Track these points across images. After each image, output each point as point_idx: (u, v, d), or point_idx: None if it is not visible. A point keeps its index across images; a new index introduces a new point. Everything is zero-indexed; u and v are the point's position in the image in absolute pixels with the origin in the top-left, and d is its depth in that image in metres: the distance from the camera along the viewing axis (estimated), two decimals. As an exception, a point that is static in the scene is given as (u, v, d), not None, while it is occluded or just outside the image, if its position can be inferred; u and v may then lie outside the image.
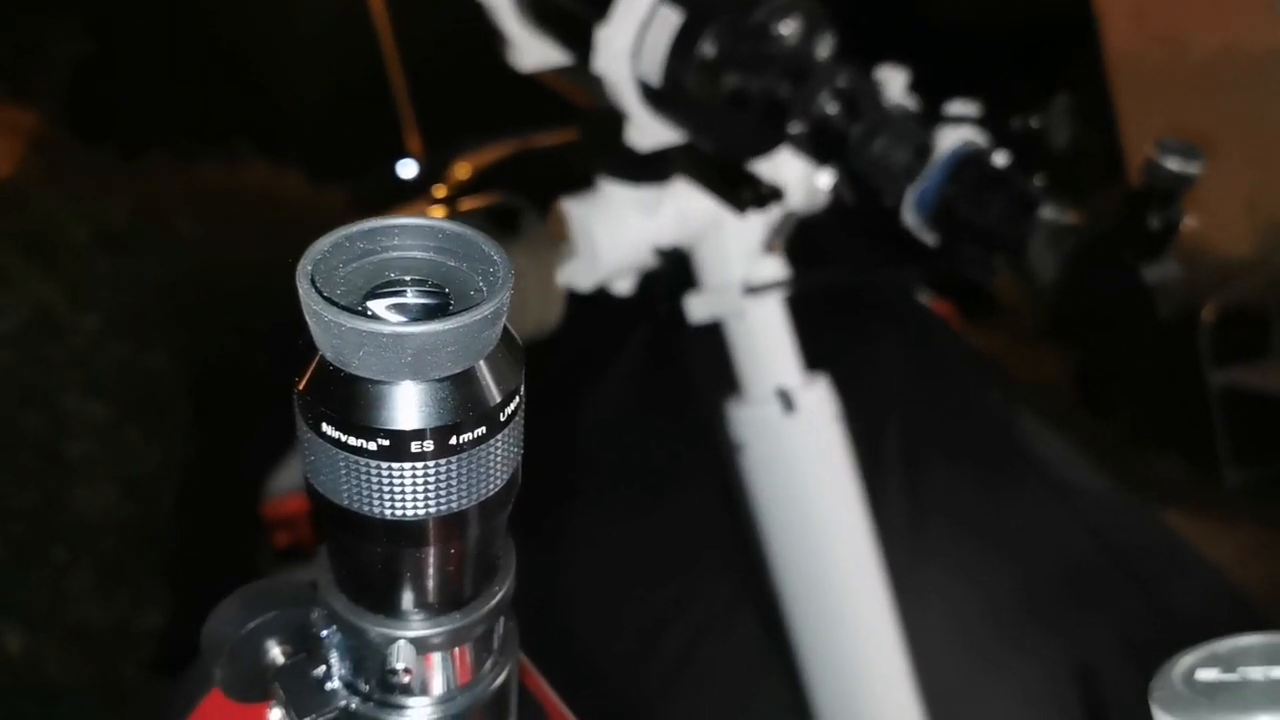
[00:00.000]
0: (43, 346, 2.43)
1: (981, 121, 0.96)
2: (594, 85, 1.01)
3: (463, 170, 2.18)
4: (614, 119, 1.01)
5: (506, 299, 0.33)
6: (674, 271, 1.15)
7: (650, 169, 1.06)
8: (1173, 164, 0.80)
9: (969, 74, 1.06)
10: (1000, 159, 0.93)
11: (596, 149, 1.08)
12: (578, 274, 1.10)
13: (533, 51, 1.09)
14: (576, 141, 1.13)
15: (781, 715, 1.39)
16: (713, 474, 1.41)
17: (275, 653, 0.42)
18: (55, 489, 2.25)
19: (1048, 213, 0.86)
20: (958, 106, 0.97)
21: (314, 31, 3.38)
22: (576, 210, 1.09)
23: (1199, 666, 0.43)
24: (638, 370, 1.59)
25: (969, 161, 0.91)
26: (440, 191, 1.41)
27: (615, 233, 1.09)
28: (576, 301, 1.10)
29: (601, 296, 1.14)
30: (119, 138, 3.27)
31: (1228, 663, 0.42)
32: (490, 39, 1.12)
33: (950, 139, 0.93)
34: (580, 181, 1.12)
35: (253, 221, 3.10)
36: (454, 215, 1.14)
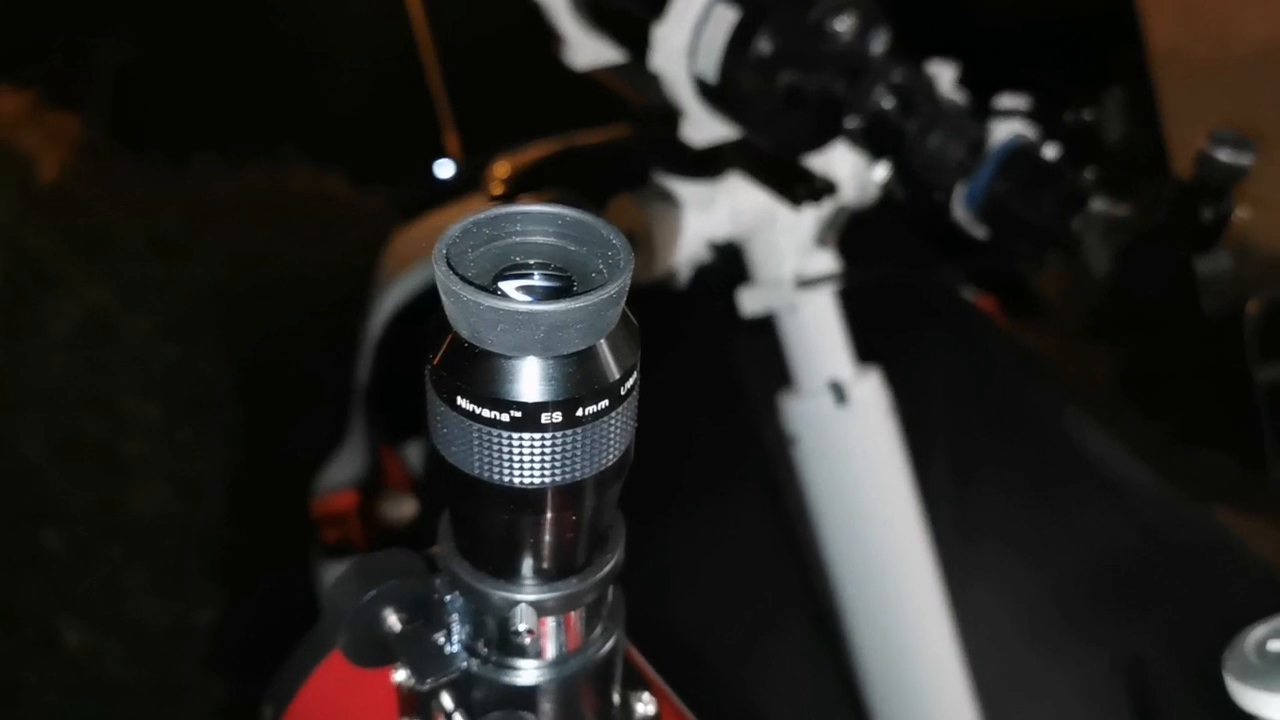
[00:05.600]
0: (98, 349, 2.47)
1: (1032, 115, 0.96)
2: (649, 83, 1.02)
3: (502, 169, 2.19)
4: (669, 116, 1.03)
5: (628, 280, 0.36)
6: (727, 265, 1.16)
7: (705, 164, 1.08)
8: (1225, 156, 0.80)
9: (1011, 67, 1.06)
10: (1051, 152, 0.94)
11: (652, 145, 1.10)
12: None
13: (588, 50, 1.11)
14: (632, 138, 1.14)
15: (833, 709, 1.40)
16: (761, 470, 1.43)
17: (393, 620, 0.45)
18: (113, 490, 2.30)
19: (1100, 206, 0.87)
20: (1008, 100, 0.97)
21: (355, 35, 3.40)
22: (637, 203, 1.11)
23: (1270, 638, 0.44)
24: (689, 364, 1.60)
25: (1020, 155, 0.92)
26: (497, 189, 1.43)
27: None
28: (630, 296, 1.12)
29: (654, 290, 1.16)
30: (167, 142, 3.31)
31: None
32: (534, 39, 1.13)
33: (1001, 132, 0.94)
34: (625, 178, 1.13)
35: (298, 224, 3.14)
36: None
